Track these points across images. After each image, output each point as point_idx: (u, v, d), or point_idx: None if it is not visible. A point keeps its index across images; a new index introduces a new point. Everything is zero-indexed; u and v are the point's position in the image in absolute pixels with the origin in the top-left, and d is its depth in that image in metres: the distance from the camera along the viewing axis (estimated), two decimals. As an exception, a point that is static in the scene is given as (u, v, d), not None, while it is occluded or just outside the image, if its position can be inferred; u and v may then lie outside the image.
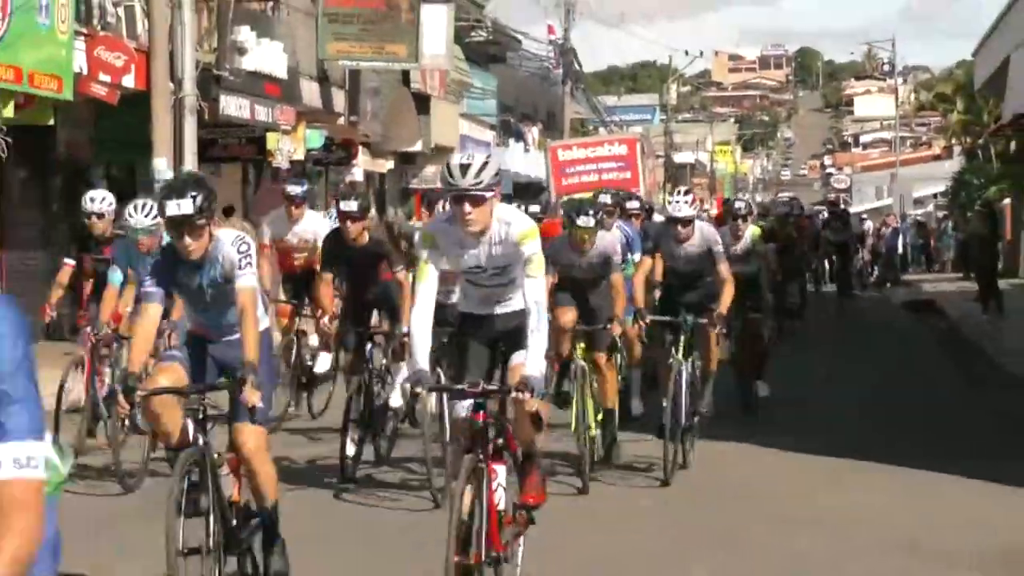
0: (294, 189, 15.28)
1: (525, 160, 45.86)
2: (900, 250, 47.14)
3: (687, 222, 12.37)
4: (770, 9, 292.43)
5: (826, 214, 36.70)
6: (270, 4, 26.22)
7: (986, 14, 50.99)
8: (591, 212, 11.66)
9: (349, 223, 12.01)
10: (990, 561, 8.64)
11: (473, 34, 41.44)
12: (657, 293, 13.82)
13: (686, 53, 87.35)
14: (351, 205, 12.08)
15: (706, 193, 76.19)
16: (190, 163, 20.41)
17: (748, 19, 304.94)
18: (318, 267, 13.33)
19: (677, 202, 12.52)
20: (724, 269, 12.50)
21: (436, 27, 32.09)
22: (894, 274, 42.33)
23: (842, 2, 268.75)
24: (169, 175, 19.73)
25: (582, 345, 12.00)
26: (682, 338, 12.21)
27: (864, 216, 39.64)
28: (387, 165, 36.33)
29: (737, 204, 16.79)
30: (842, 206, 49.92)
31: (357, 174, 34.31)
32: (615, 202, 15.09)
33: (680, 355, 12.15)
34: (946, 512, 10.18)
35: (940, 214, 54.44)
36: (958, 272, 36.40)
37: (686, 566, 8.73)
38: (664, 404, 11.89)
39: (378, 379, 12.18)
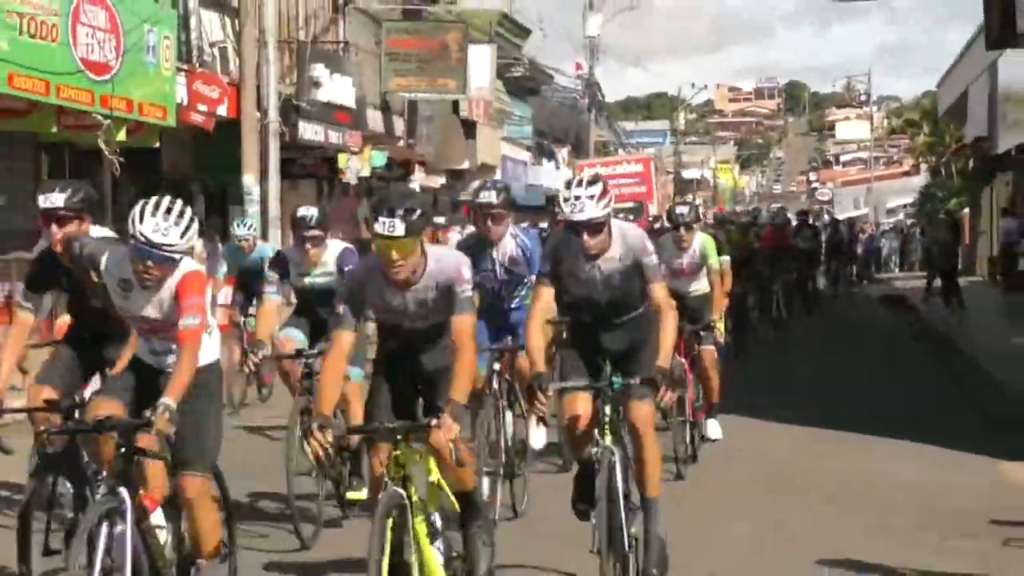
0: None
1: (556, 176, 45.94)
2: (884, 252, 47.14)
3: (596, 227, 6.51)
4: (763, 48, 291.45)
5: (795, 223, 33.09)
6: (341, 45, 26.18)
7: (948, 52, 50.54)
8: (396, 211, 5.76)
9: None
10: (939, 521, 8.50)
11: (512, 70, 41.40)
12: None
13: (692, 86, 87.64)
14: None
15: (710, 203, 75.88)
16: (273, 180, 20.48)
17: (745, 57, 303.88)
18: None
19: (578, 198, 6.44)
20: (660, 292, 6.73)
21: (481, 64, 32.16)
22: (868, 273, 42.26)
23: (824, 42, 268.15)
24: (256, 190, 19.73)
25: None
26: (607, 413, 6.57)
27: (845, 223, 39.18)
28: (439, 181, 36.37)
29: (679, 209, 11.31)
30: (824, 216, 49.60)
31: (414, 189, 34.41)
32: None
33: (608, 439, 6.53)
34: (909, 478, 9.97)
35: (909, 222, 54.17)
36: (924, 272, 36.21)
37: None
38: (592, 519, 6.49)
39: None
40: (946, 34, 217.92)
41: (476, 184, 14.05)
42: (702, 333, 10.75)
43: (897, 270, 45.69)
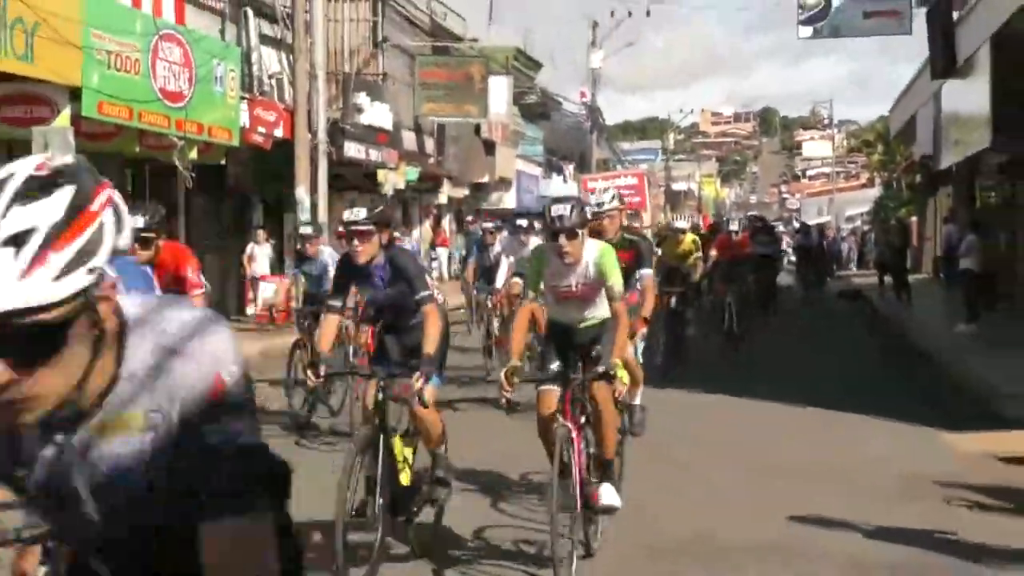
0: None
1: (563, 188, 46.03)
2: (844, 253, 47.01)
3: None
4: (741, 79, 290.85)
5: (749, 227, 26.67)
6: (380, 76, 26.23)
7: (898, 83, 50.41)
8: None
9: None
10: (891, 484, 8.50)
11: (526, 97, 41.44)
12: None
13: (680, 111, 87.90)
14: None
15: (695, 212, 75.81)
16: (322, 192, 20.51)
17: (725, 87, 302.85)
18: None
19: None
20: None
21: (499, 93, 32.25)
22: (831, 271, 42.18)
23: (793, 74, 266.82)
24: (307, 201, 19.78)
25: None
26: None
27: (815, 228, 38.98)
28: (464, 192, 36.46)
29: (556, 209, 6.52)
30: (794, 222, 49.59)
31: (442, 199, 34.49)
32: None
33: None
34: (866, 447, 9.99)
35: (865, 228, 54.00)
36: (877, 271, 36.09)
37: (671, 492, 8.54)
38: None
39: None
40: (897, 68, 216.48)
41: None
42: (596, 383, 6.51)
43: (855, 269, 45.50)
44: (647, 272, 8.91)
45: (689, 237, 15.25)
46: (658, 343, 13.39)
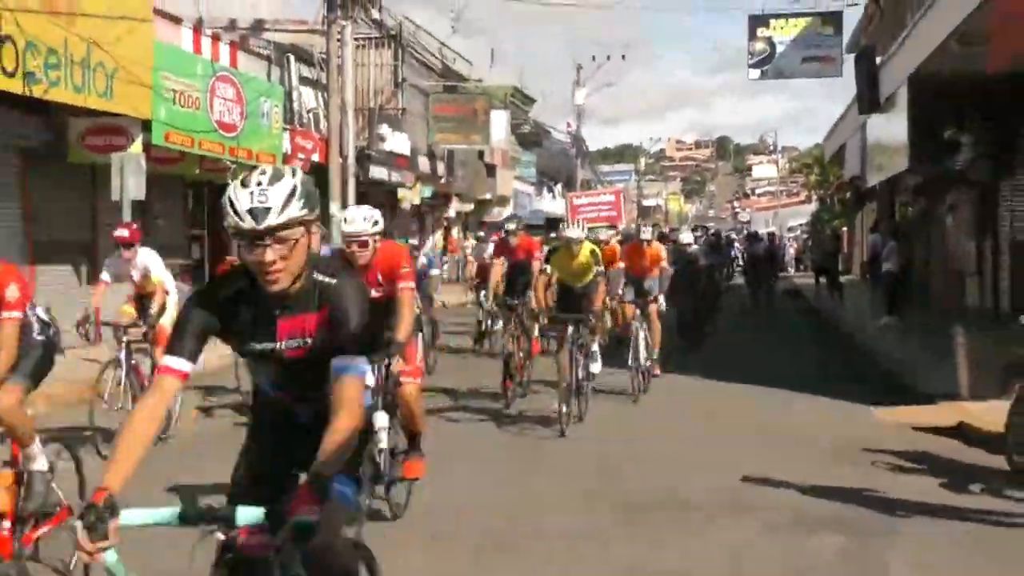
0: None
1: (552, 204, 46.10)
2: (786, 259, 46.85)
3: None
4: (702, 113, 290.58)
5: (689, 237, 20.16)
6: (399, 111, 26.20)
7: (832, 116, 50.52)
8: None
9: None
10: (826, 449, 8.50)
11: (521, 128, 41.45)
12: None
13: (650, 139, 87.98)
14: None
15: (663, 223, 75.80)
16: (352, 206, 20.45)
17: (688, 119, 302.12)
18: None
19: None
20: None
21: (499, 124, 32.25)
22: (776, 275, 41.95)
23: (745, 108, 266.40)
24: (339, 215, 19.73)
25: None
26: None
27: (766, 236, 38.66)
28: (469, 207, 36.42)
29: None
30: (744, 231, 49.47)
31: (451, 213, 34.44)
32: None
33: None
34: (806, 419, 10.02)
35: (803, 237, 53.90)
36: (814, 273, 36.07)
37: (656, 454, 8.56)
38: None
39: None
40: (831, 104, 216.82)
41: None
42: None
43: (793, 271, 45.46)
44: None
45: (586, 248, 9.91)
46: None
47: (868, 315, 19.68)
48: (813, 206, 59.20)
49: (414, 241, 19.97)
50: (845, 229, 39.44)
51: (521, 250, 11.73)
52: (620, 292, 12.38)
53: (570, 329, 9.29)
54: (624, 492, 7.20)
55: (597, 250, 10.19)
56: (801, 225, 62.66)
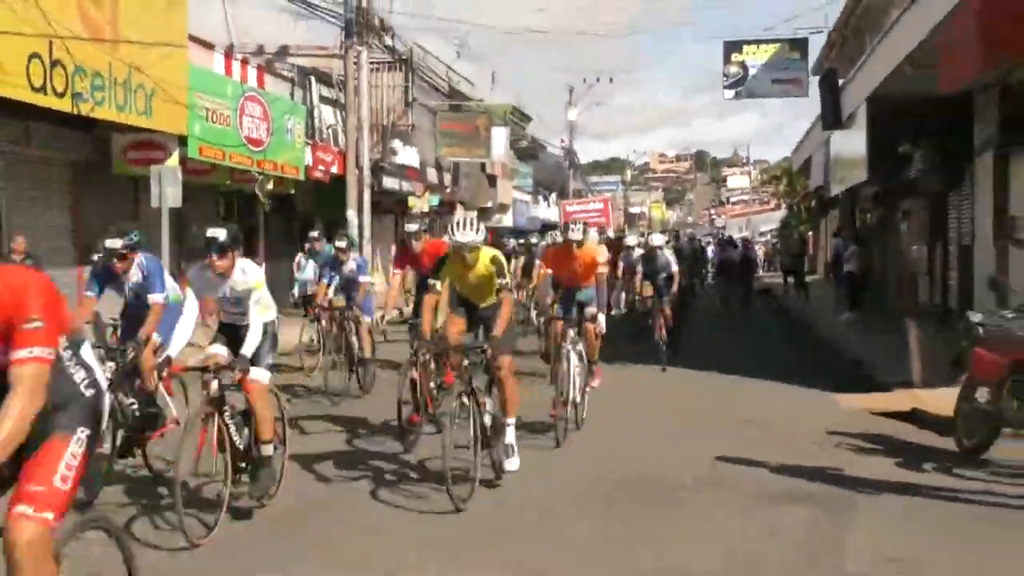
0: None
1: (547, 211, 46.05)
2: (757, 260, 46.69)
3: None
4: (682, 129, 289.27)
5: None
6: (410, 127, 26.17)
7: (799, 132, 50.59)
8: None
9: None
10: (793, 432, 8.49)
11: (519, 142, 41.32)
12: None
13: (635, 153, 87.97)
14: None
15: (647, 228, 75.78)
16: (366, 214, 20.46)
17: (670, 134, 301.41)
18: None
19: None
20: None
21: (499, 139, 32.14)
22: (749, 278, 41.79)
23: (721, 126, 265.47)
24: (355, 220, 19.77)
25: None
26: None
27: (740, 241, 38.34)
28: (473, 214, 36.26)
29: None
30: (718, 235, 49.31)
31: (456, 219, 34.29)
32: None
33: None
34: (776, 404, 10.03)
35: (774, 241, 53.87)
36: (782, 273, 36.11)
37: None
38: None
39: None
40: (798, 121, 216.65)
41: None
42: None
43: (762, 272, 45.50)
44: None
45: (485, 256, 6.91)
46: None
47: (831, 312, 19.70)
48: (782, 213, 59.10)
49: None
50: (811, 234, 39.43)
51: (427, 256, 9.00)
52: (548, 305, 9.80)
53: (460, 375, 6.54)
54: (607, 471, 7.21)
55: (501, 259, 6.87)
56: (772, 230, 62.62)
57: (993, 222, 12.77)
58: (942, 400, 8.50)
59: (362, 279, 10.54)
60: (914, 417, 9.08)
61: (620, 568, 5.15)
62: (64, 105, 11.54)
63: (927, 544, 5.51)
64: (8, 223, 12.45)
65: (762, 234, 64.06)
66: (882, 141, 16.28)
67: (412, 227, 9.54)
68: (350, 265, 10.70)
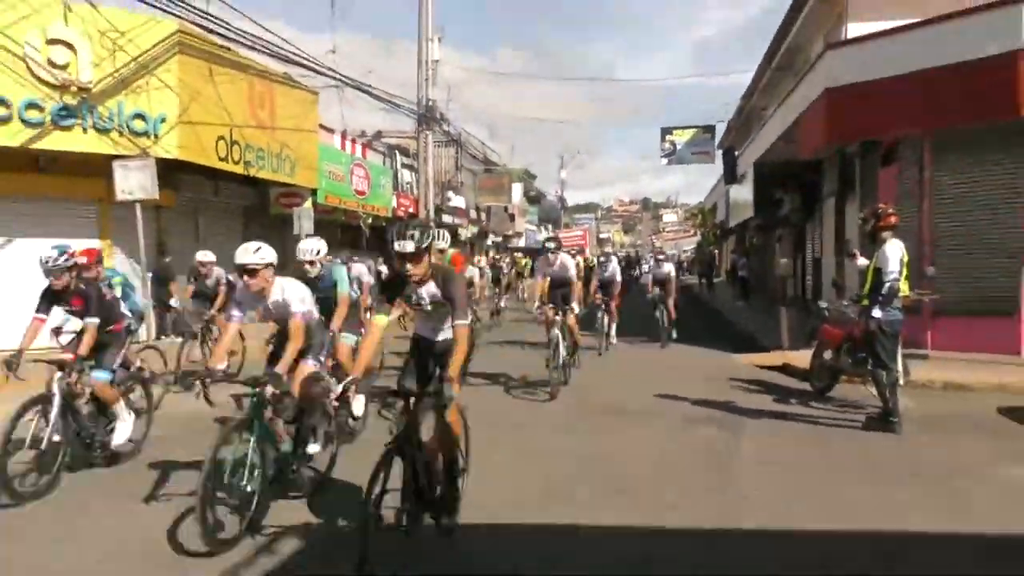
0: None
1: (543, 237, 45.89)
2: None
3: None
4: (634, 183, 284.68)
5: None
6: (459, 183, 26.11)
7: (710, 185, 50.12)
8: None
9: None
10: (705, 377, 8.34)
11: (529, 192, 41.19)
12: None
13: (603, 198, 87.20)
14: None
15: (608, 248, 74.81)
16: (431, 238, 20.29)
17: (625, 186, 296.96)
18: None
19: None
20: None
21: (517, 191, 32.15)
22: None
23: (659, 181, 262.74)
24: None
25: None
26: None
27: (672, 259, 37.41)
28: (499, 239, 36.17)
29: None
30: (658, 254, 48.90)
31: (488, 243, 34.21)
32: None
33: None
34: (694, 362, 9.89)
35: (692, 256, 53.30)
36: (698, 277, 35.72)
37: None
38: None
39: None
40: (710, 178, 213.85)
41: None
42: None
43: (685, 276, 44.96)
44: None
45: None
46: None
47: (730, 301, 19.50)
48: (698, 238, 58.56)
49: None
50: (717, 251, 39.03)
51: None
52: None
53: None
54: (586, 401, 7.15)
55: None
56: (692, 248, 62.00)
57: (835, 244, 12.65)
58: (803, 358, 8.38)
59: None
60: (784, 369, 8.93)
61: (582, 468, 5.09)
62: (239, 169, 11.61)
63: (791, 452, 5.42)
64: (204, 246, 12.55)
65: (685, 251, 63.44)
66: (763, 191, 16.17)
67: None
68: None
